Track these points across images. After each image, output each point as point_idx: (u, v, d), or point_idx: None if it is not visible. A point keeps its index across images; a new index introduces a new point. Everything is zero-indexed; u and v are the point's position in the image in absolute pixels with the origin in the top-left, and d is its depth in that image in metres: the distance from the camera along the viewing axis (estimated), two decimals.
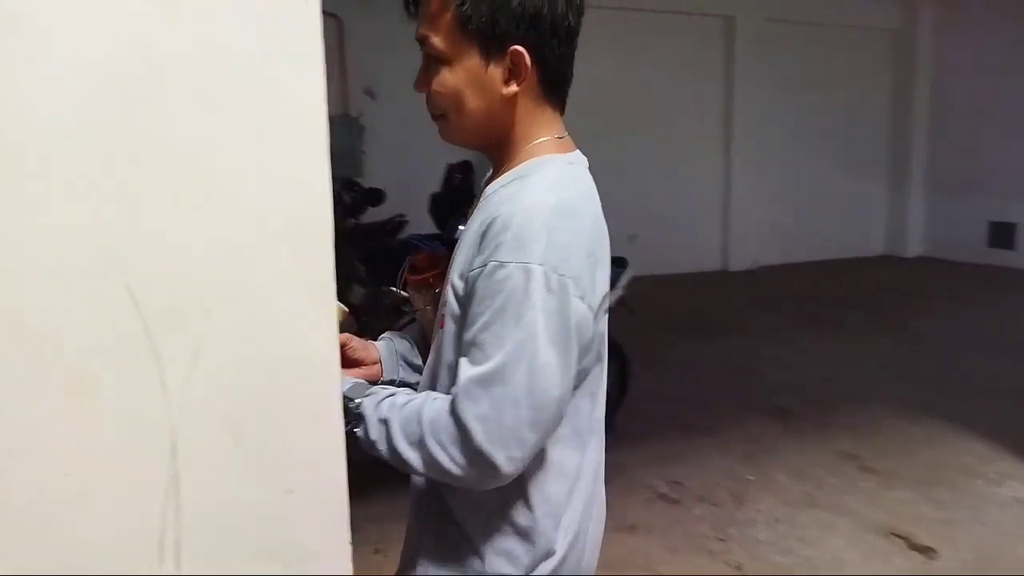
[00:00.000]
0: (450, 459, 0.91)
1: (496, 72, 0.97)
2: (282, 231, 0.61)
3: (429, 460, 0.93)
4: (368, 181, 6.38)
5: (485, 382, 0.89)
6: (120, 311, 0.57)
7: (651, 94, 7.69)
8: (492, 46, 0.95)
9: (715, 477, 3.64)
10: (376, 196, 5.30)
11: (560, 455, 1.02)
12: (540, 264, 0.89)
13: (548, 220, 0.91)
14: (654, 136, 7.72)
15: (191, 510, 0.60)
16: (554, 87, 1.02)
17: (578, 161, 1.06)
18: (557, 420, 0.95)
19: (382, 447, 0.96)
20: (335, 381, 0.65)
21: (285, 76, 0.60)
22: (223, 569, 0.61)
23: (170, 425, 0.59)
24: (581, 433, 1.05)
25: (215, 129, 0.58)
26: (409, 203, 5.05)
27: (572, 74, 1.05)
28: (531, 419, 0.90)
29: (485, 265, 0.92)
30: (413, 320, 3.35)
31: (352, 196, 5.87)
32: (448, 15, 0.95)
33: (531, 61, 0.96)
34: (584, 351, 0.97)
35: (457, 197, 4.59)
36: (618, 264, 3.96)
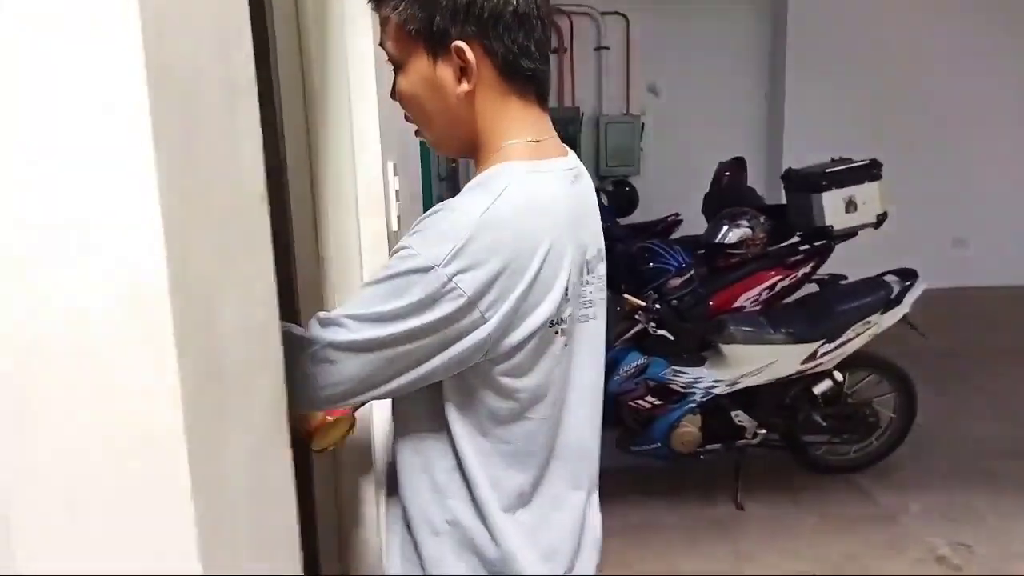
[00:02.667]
0: None
1: (446, 72, 0.94)
2: (114, 288, 0.54)
3: None
4: (646, 180, 6.29)
5: (323, 322, 0.91)
6: None
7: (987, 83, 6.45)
8: (436, 45, 0.93)
9: (1019, 546, 2.93)
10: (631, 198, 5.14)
11: (495, 472, 0.99)
12: (435, 265, 0.85)
13: (464, 225, 0.86)
14: (988, 128, 6.48)
15: None
16: (516, 80, 0.96)
17: (549, 169, 0.97)
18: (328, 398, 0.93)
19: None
20: (180, 452, 0.56)
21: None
22: None
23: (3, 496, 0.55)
24: (519, 456, 1.00)
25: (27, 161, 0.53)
26: (685, 202, 4.82)
27: (542, 66, 0.97)
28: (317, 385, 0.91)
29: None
30: (644, 331, 3.22)
31: (621, 196, 5.80)
32: (392, 20, 0.95)
33: (479, 55, 0.93)
34: (466, 362, 0.91)
35: (724, 196, 4.27)
36: (904, 276, 3.36)
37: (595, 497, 1.17)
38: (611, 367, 3.26)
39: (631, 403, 3.31)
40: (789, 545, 3.01)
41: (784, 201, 3.74)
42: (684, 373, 3.26)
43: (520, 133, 0.98)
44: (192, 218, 0.59)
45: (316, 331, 0.91)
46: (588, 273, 1.04)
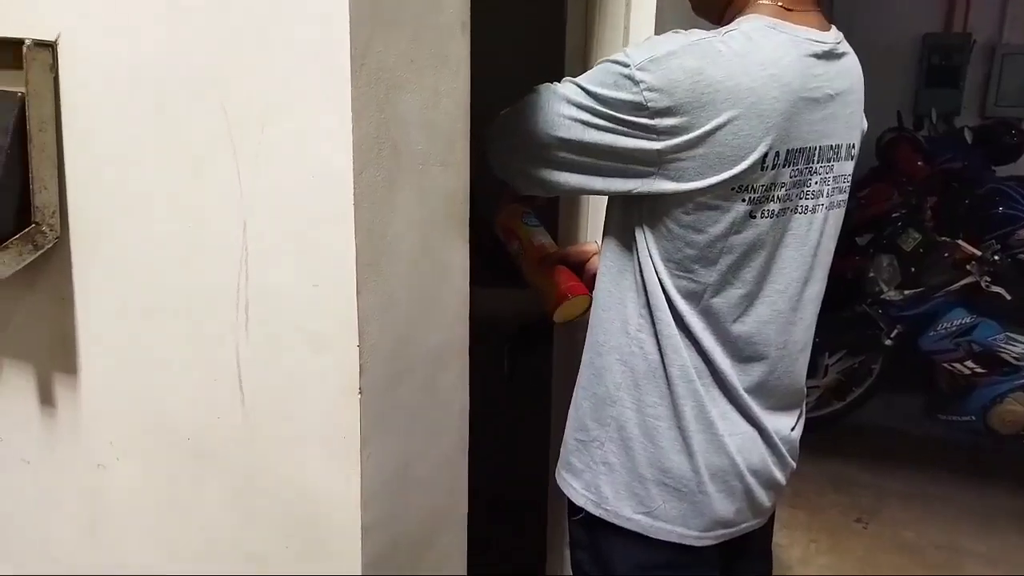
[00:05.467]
0: None
1: None
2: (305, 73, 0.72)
3: None
4: None
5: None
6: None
7: None
8: None
9: None
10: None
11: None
12: (631, 62, 0.89)
13: (674, 41, 0.90)
14: None
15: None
16: None
17: (789, 32, 0.93)
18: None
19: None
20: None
21: None
22: None
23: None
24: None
25: None
26: None
27: None
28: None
29: None
30: (974, 285, 2.79)
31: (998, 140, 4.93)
32: None
33: None
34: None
35: None
36: None
37: (783, 423, 1.09)
38: (928, 320, 2.93)
39: (946, 364, 2.95)
40: None
41: None
42: (1020, 342, 2.80)
43: None
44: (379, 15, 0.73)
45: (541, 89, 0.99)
46: (819, 161, 0.98)
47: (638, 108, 0.89)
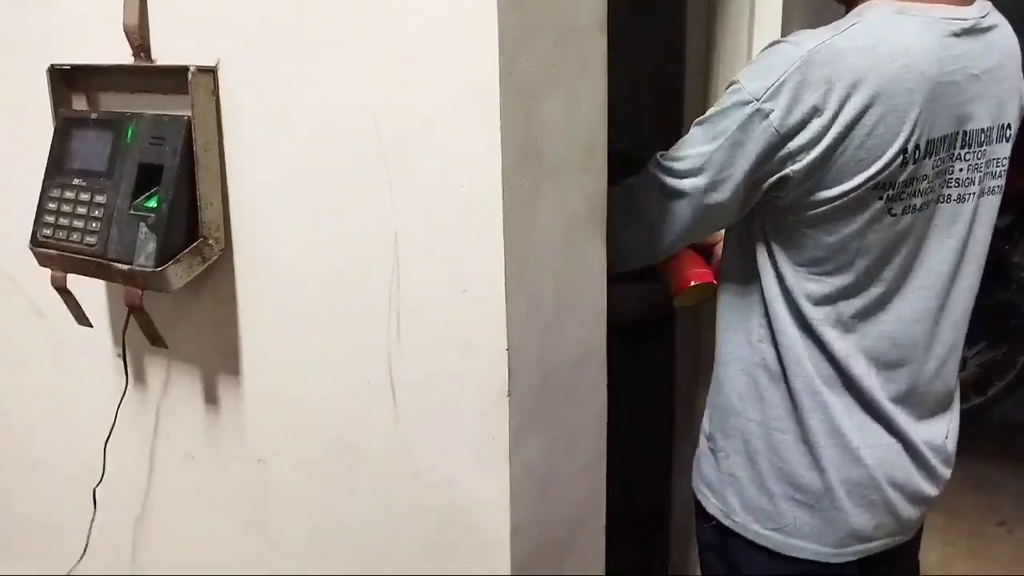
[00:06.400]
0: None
1: None
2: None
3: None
4: None
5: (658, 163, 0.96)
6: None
7: None
8: None
9: None
10: None
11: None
12: (754, 99, 0.86)
13: (793, 58, 0.85)
14: None
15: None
16: None
17: (920, 13, 0.87)
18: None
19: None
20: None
21: None
22: None
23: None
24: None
25: None
26: None
27: None
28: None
29: None
30: None
31: None
32: None
33: None
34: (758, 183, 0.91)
35: None
36: None
37: (936, 431, 1.04)
38: None
39: None
40: None
41: None
42: None
43: None
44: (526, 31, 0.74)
45: (651, 170, 0.96)
46: (965, 147, 0.92)
47: (775, 143, 0.87)
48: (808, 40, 0.86)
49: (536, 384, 0.84)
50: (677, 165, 0.94)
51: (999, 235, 2.96)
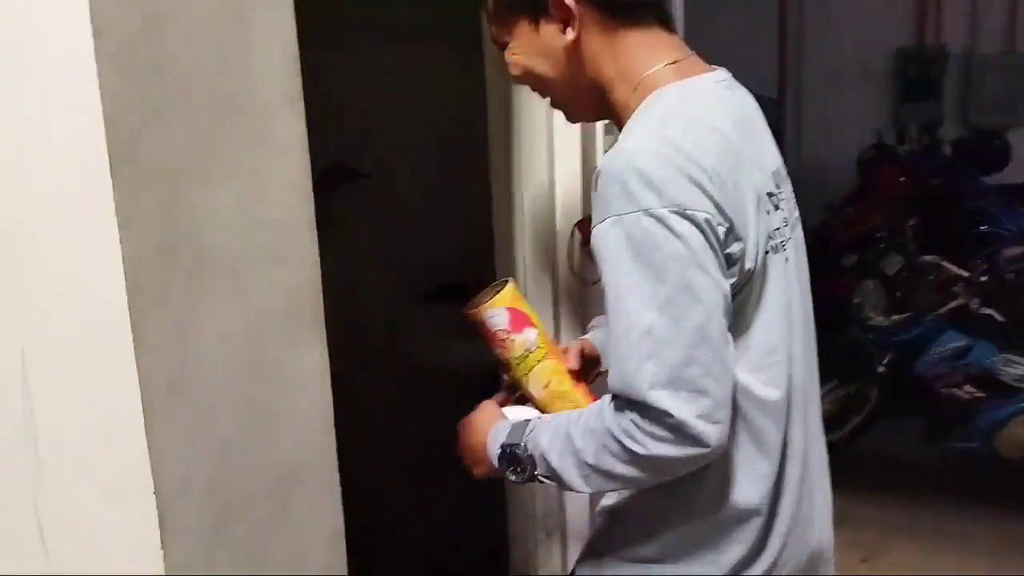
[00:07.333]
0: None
1: (549, 29, 0.91)
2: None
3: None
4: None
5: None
6: None
7: None
8: (533, 6, 0.90)
9: None
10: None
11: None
12: (630, 212, 0.78)
13: (640, 166, 0.79)
14: None
15: None
16: (625, 12, 0.90)
17: (701, 84, 0.90)
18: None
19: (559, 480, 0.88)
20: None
21: None
22: None
23: None
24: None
25: None
26: None
27: None
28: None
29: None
30: (963, 307, 2.65)
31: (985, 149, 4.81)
32: (488, 3, 0.95)
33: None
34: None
35: None
36: None
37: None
38: (921, 345, 2.79)
39: (944, 389, 2.80)
40: None
41: None
42: (1019, 364, 2.65)
43: (653, 61, 0.89)
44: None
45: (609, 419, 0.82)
46: (773, 196, 0.90)
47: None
48: (640, 142, 0.84)
49: (213, 523, 0.70)
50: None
51: (846, 274, 3.06)
